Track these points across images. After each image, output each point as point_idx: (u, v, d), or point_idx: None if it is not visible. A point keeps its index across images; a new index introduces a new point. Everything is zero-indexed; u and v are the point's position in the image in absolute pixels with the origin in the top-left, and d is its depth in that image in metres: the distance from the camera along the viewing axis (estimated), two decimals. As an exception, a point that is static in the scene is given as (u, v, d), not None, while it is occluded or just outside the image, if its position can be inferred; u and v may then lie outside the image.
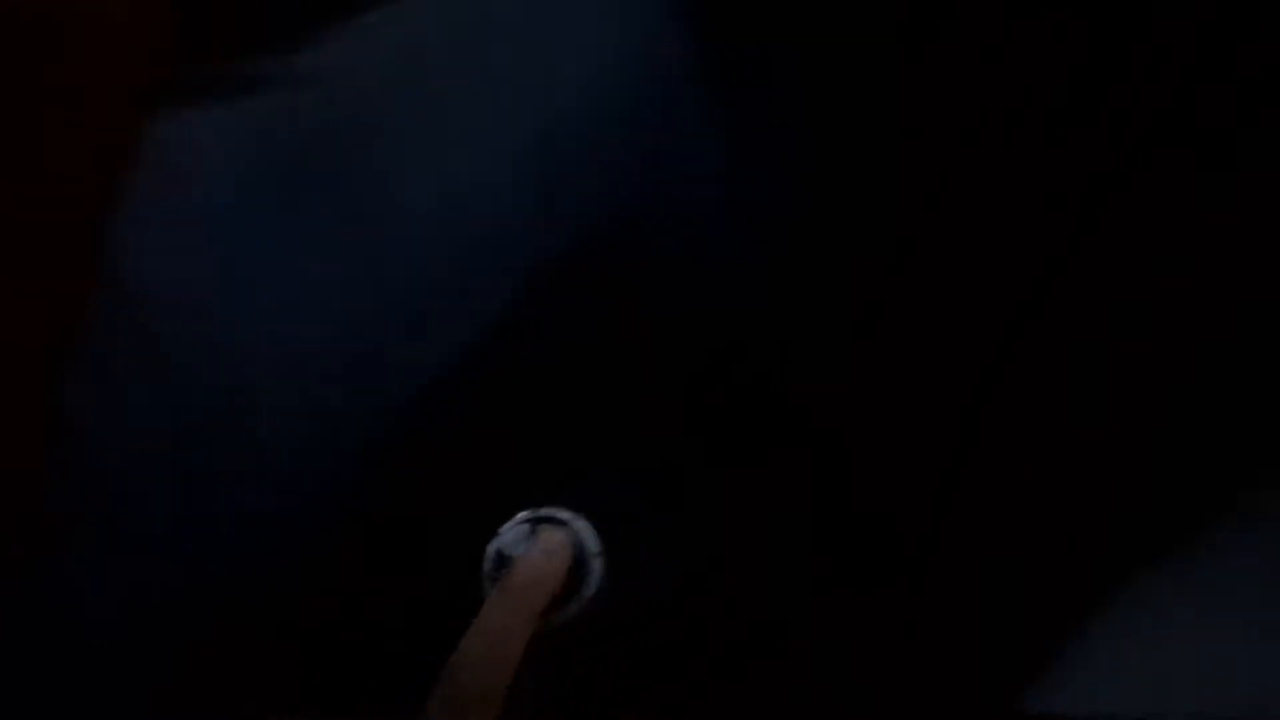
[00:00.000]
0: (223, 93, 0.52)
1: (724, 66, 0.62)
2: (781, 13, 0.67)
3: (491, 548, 0.43)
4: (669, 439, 0.74)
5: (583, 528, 0.43)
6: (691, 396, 0.75)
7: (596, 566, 0.43)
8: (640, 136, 0.59)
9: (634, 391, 0.68)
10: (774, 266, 0.70)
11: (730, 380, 0.77)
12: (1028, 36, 0.75)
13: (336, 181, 0.52)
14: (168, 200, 0.48)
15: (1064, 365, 0.74)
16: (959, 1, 0.75)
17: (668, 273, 0.66)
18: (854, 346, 0.77)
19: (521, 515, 0.43)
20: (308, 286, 0.51)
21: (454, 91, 0.54)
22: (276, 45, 0.54)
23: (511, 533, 0.43)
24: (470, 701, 0.39)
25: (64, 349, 0.36)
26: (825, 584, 0.75)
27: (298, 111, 0.53)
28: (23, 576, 0.43)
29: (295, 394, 0.50)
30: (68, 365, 0.44)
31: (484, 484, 0.66)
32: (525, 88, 0.55)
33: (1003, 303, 0.75)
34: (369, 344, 0.52)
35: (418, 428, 0.53)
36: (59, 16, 0.33)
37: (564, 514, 0.43)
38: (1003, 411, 0.73)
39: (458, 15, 0.56)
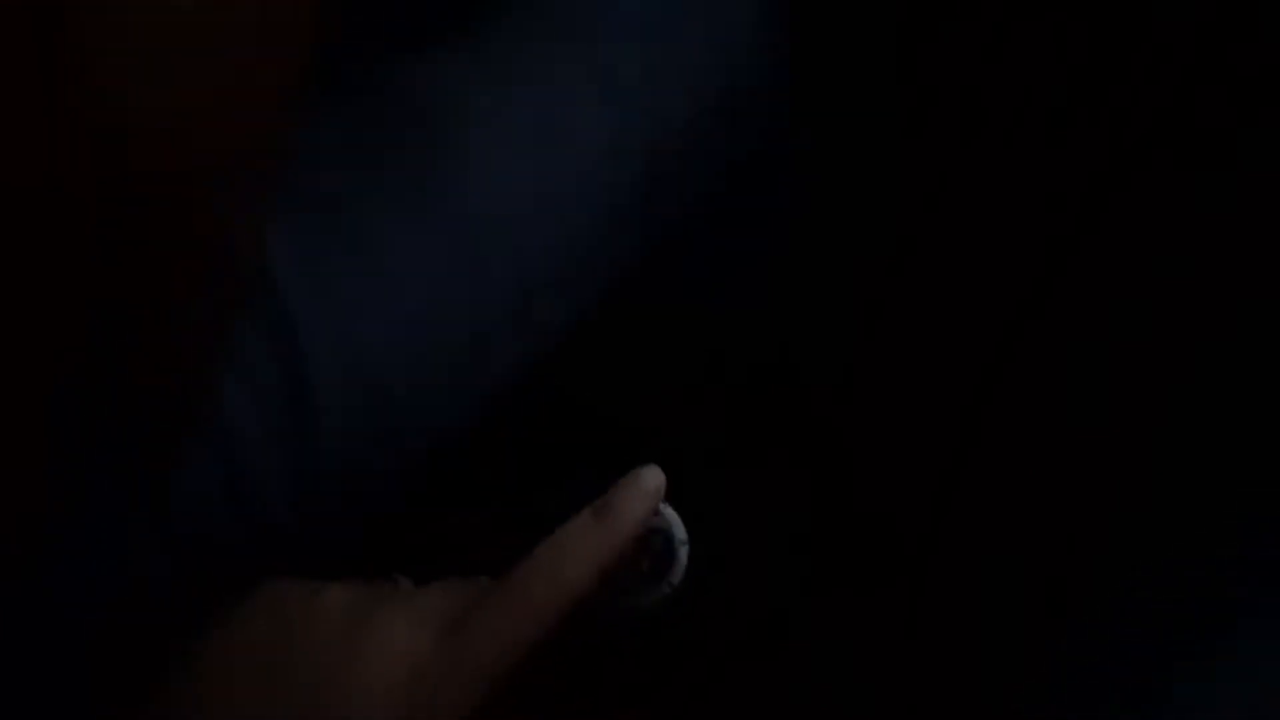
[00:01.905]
0: (341, 93, 0.54)
1: (810, 73, 0.63)
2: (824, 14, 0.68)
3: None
4: (678, 437, 0.75)
5: (671, 516, 0.43)
6: (692, 396, 0.75)
7: (682, 555, 0.43)
8: (736, 139, 0.60)
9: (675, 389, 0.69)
10: (776, 265, 0.71)
11: (730, 380, 0.78)
12: (1028, 36, 0.75)
13: (442, 175, 0.54)
14: (297, 185, 0.50)
15: (1064, 365, 0.74)
16: (959, 1, 0.75)
17: (707, 274, 0.67)
18: (854, 346, 0.77)
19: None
20: (420, 269, 0.52)
21: (561, 92, 0.55)
22: (391, 53, 0.56)
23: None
24: (530, 615, 0.38)
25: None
26: (825, 584, 0.75)
27: (409, 111, 0.54)
28: (23, 577, 0.44)
29: (409, 370, 0.52)
30: (213, 350, 0.45)
31: (530, 474, 0.67)
32: (631, 91, 0.56)
33: (1003, 303, 0.75)
34: (473, 327, 0.53)
35: (513, 407, 0.55)
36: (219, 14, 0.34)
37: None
38: (1003, 411, 0.73)
39: (565, 20, 0.57)
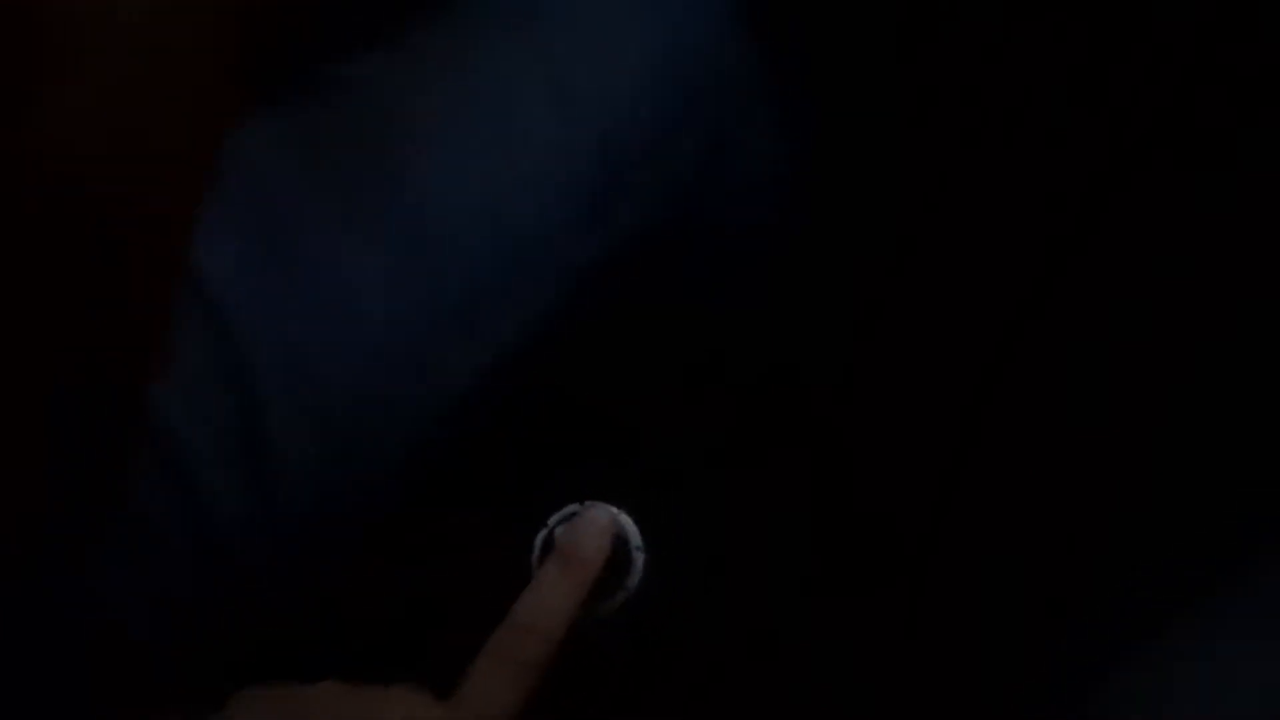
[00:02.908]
0: (284, 97, 0.54)
1: (778, 69, 0.63)
2: (823, 14, 0.68)
3: (540, 537, 0.44)
4: (678, 437, 0.74)
5: (626, 522, 0.44)
6: (693, 396, 0.75)
7: (639, 560, 0.44)
8: (697, 139, 0.60)
9: (653, 390, 0.69)
10: (776, 265, 0.71)
11: (730, 380, 0.77)
12: (1028, 36, 0.75)
13: (390, 180, 0.53)
14: (238, 195, 0.49)
15: (1064, 365, 0.74)
16: (959, 1, 0.75)
17: (705, 274, 0.66)
18: (854, 346, 0.77)
19: (569, 508, 0.44)
20: (367, 279, 0.52)
21: (510, 93, 0.55)
22: (333, 54, 0.55)
23: (560, 523, 0.44)
24: (514, 670, 0.40)
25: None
26: (825, 584, 0.75)
27: (354, 114, 0.54)
28: (23, 577, 0.44)
29: (360, 383, 0.51)
30: (155, 362, 0.45)
31: (530, 474, 0.67)
32: (584, 90, 0.56)
33: (1003, 303, 0.75)
34: (424, 336, 0.53)
35: (469, 416, 0.55)
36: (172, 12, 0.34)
37: (608, 508, 0.44)
38: (1003, 411, 0.73)
39: (514, 18, 0.56)
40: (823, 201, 0.71)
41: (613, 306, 0.59)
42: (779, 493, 0.76)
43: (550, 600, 0.42)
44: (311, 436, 0.51)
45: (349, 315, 0.52)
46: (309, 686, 0.41)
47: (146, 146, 0.36)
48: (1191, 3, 0.71)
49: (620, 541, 0.44)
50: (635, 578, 0.44)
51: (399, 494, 0.55)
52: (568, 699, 0.43)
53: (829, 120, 0.72)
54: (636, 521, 0.45)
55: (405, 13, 0.57)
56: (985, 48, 0.76)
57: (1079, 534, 0.71)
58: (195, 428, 0.50)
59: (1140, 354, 0.73)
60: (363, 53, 0.56)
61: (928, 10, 0.76)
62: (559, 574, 0.43)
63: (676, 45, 0.59)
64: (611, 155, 0.57)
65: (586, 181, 0.56)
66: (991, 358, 0.74)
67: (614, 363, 0.67)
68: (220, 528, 0.50)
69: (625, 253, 0.58)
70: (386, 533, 0.57)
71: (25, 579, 0.44)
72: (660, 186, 0.59)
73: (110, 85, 0.33)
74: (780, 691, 0.72)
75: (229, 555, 0.51)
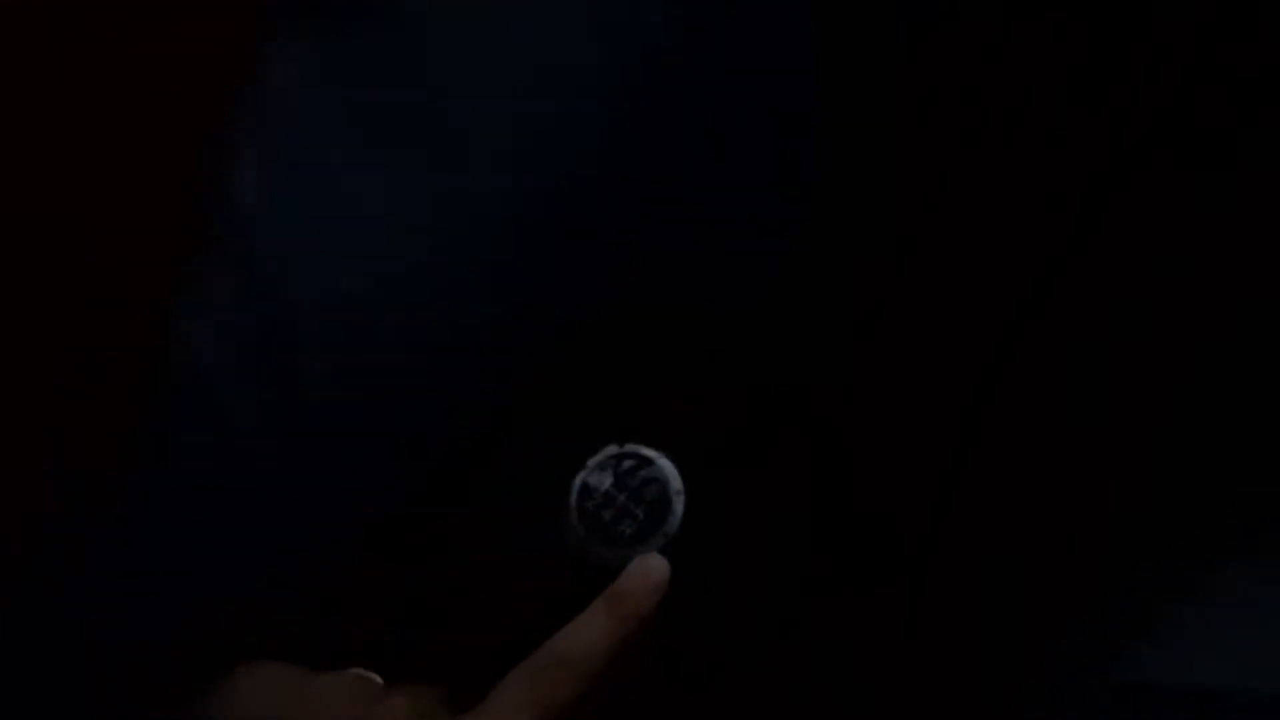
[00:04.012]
0: (308, 21, 0.53)
1: (724, 65, 0.63)
2: (779, 12, 0.67)
3: (578, 480, 0.44)
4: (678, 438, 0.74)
5: (666, 465, 0.44)
6: (692, 396, 0.75)
7: (678, 505, 0.44)
8: (639, 132, 0.59)
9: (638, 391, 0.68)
10: (776, 265, 0.70)
11: (730, 380, 0.77)
12: (1028, 36, 0.75)
13: (424, 112, 0.53)
14: (267, 120, 0.49)
15: (1064, 365, 0.74)
16: (959, 1, 0.75)
17: (670, 267, 0.66)
18: (854, 346, 0.77)
19: (607, 450, 0.44)
20: (397, 204, 0.52)
21: (551, 27, 0.54)
22: None
23: (597, 467, 0.44)
24: (541, 699, 0.39)
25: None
26: (825, 584, 0.75)
27: (390, 44, 0.53)
28: (23, 577, 0.44)
29: (389, 312, 0.51)
30: (179, 289, 0.45)
31: (570, 413, 0.67)
32: (623, 24, 0.55)
33: (1003, 303, 0.75)
34: (459, 263, 0.52)
35: (503, 349, 0.55)
36: None
37: (648, 451, 0.44)
38: (1003, 411, 0.73)
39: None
40: (823, 201, 0.71)
41: (624, 330, 0.59)
42: (779, 493, 0.76)
43: (591, 640, 0.41)
44: (332, 353, 0.51)
45: (375, 246, 0.52)
46: (323, 673, 0.41)
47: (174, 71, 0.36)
48: (1191, 3, 0.71)
49: (660, 485, 0.44)
50: (675, 522, 0.44)
51: (446, 419, 0.55)
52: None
53: (830, 120, 0.72)
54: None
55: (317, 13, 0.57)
56: (985, 48, 0.76)
57: (1079, 534, 0.71)
58: (218, 348, 0.49)
59: (1140, 354, 0.73)
60: None
61: (928, 10, 0.75)
62: (606, 617, 0.42)
63: (623, 41, 0.59)
64: (645, 85, 0.57)
65: (620, 118, 0.56)
66: (991, 358, 0.74)
67: (614, 363, 0.67)
68: (239, 440, 0.50)
69: (634, 222, 0.58)
70: (386, 533, 0.57)
71: (25, 579, 0.44)
72: (613, 175, 0.59)
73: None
74: (780, 691, 0.71)
75: (248, 466, 0.51)
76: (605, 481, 0.44)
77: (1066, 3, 0.73)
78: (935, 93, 0.77)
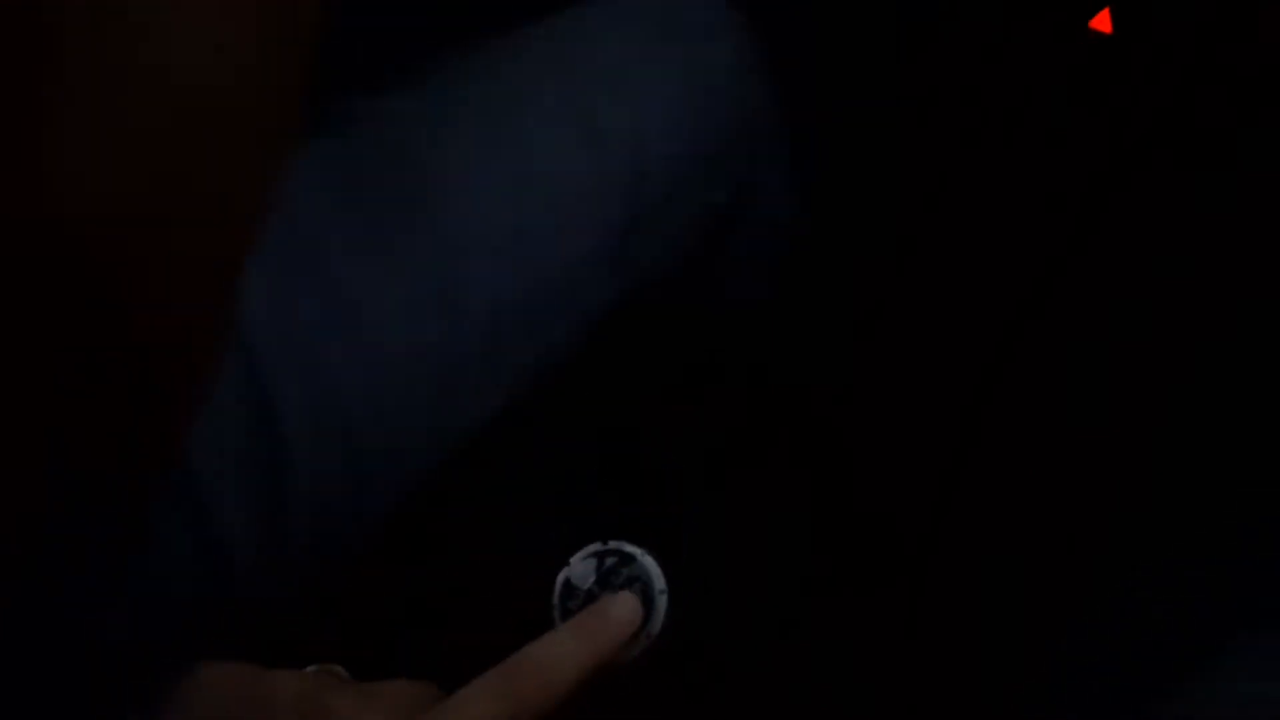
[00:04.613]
0: (316, 128, 0.54)
1: (796, 114, 0.63)
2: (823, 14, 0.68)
3: (561, 576, 0.43)
4: (678, 438, 0.74)
5: (649, 564, 0.43)
6: (692, 396, 0.75)
7: (661, 605, 0.43)
8: (716, 183, 0.60)
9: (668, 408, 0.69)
10: (776, 265, 0.71)
11: (730, 380, 0.77)
12: (1028, 36, 0.75)
13: (419, 216, 0.53)
14: (273, 221, 0.50)
15: (1064, 365, 0.74)
16: (959, 1, 0.75)
17: (716, 308, 0.67)
18: (854, 346, 0.77)
19: (591, 547, 0.43)
20: (392, 312, 0.52)
21: (540, 132, 0.55)
22: (366, 87, 0.55)
23: (581, 563, 0.43)
24: (503, 707, 0.39)
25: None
26: (825, 584, 0.75)
27: (386, 148, 0.54)
28: (23, 577, 0.44)
29: (380, 412, 0.51)
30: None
31: (552, 508, 0.67)
32: (614, 131, 0.56)
33: (1003, 303, 0.75)
34: (445, 370, 0.53)
35: (489, 446, 0.55)
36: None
37: (631, 548, 0.43)
38: (1003, 411, 0.73)
39: (543, 58, 0.57)
40: (823, 202, 0.71)
41: (624, 330, 0.59)
42: (779, 493, 0.76)
43: (561, 656, 0.41)
44: (330, 467, 0.51)
45: (372, 346, 0.52)
46: (281, 671, 0.41)
47: (191, 190, 0.35)
48: (1191, 3, 0.71)
49: (642, 585, 0.43)
50: (658, 623, 0.43)
51: (430, 512, 0.55)
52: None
53: (830, 120, 0.72)
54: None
55: (438, 48, 0.57)
56: (985, 48, 0.76)
57: (1079, 534, 0.71)
58: (214, 455, 0.49)
59: (1140, 354, 0.73)
60: (396, 87, 0.57)
61: (928, 11, 0.76)
62: (576, 638, 0.42)
63: (704, 88, 0.59)
64: (640, 197, 0.57)
65: (614, 223, 0.56)
66: (991, 358, 0.74)
67: (614, 363, 0.67)
68: (234, 556, 0.50)
69: (644, 290, 0.58)
70: (386, 533, 0.57)
71: (25, 579, 0.44)
72: (684, 228, 0.60)
73: (145, 127, 0.33)
74: (780, 691, 0.72)
75: (240, 582, 0.51)
76: (588, 579, 0.43)
77: (1066, 3, 0.73)
78: (935, 93, 0.77)
